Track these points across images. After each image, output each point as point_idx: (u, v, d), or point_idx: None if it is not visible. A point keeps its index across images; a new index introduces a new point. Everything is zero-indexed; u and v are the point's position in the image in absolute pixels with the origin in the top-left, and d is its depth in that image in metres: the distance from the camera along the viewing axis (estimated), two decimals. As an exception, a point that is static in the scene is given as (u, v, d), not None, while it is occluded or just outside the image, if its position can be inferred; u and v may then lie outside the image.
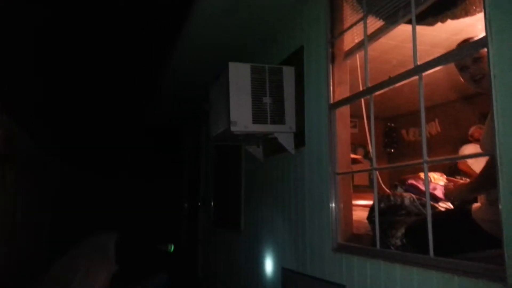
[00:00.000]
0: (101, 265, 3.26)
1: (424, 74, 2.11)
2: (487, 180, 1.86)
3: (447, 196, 2.48)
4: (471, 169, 3.50)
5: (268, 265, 3.70)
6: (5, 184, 3.17)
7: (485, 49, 1.91)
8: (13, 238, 3.65)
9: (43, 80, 9.53)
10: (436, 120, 5.13)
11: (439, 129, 5.08)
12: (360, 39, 2.78)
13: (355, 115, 3.85)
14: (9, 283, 3.35)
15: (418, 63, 2.13)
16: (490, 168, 1.75)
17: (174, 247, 3.57)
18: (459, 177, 2.78)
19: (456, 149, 3.96)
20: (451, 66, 2.31)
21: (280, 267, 3.43)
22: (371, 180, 5.45)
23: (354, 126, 4.65)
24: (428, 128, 5.01)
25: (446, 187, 2.58)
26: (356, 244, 2.65)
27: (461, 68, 2.23)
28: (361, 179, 5.66)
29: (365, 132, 3.85)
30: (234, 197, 4.74)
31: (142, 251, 3.54)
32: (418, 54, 2.15)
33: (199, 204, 6.67)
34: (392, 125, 6.16)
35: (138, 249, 3.50)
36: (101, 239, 3.42)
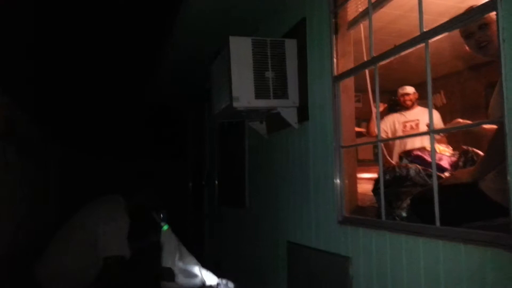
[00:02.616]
0: (120, 214, 3.30)
1: (430, 42, 2.06)
2: (499, 150, 1.82)
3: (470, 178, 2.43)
4: None
5: (273, 239, 3.71)
6: (7, 163, 3.17)
7: (491, 15, 1.86)
8: (19, 216, 3.67)
9: (42, 61, 9.44)
10: (442, 92, 5.08)
11: (444, 101, 5.03)
12: (364, 7, 2.72)
13: (359, 90, 3.80)
14: (17, 263, 3.39)
15: (425, 30, 2.08)
16: (499, 137, 1.71)
17: (168, 227, 3.59)
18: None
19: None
20: (456, 35, 2.26)
21: (286, 241, 3.44)
22: (375, 155, 5.44)
23: (358, 101, 4.61)
24: (433, 100, 4.94)
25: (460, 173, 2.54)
26: (362, 216, 2.65)
27: (467, 36, 2.21)
28: (365, 154, 5.63)
29: (369, 106, 3.83)
30: (238, 174, 4.74)
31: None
32: (424, 24, 2.10)
33: (203, 183, 6.69)
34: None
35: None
36: (112, 199, 3.44)
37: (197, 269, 3.40)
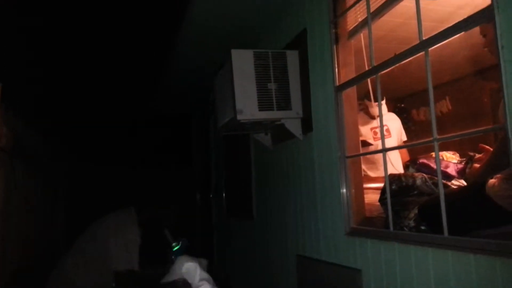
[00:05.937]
0: (130, 226, 3.30)
1: (431, 49, 2.05)
2: (502, 155, 1.80)
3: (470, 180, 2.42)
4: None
5: (282, 253, 3.68)
6: (15, 180, 3.19)
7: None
8: (27, 232, 3.68)
9: (46, 72, 9.50)
10: (447, 98, 5.02)
11: (450, 107, 4.97)
12: (363, 17, 2.72)
13: (364, 97, 3.79)
14: (25, 278, 3.40)
15: (424, 38, 2.07)
16: (504, 142, 1.69)
17: (178, 247, 3.55)
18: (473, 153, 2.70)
19: (468, 126, 3.87)
20: (458, 41, 2.24)
21: (295, 254, 3.41)
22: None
23: (362, 109, 4.54)
24: (438, 107, 4.90)
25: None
26: (369, 227, 2.62)
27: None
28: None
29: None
30: (245, 186, 4.72)
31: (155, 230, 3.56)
32: (424, 31, 2.09)
33: (211, 195, 6.68)
34: (402, 105, 6.05)
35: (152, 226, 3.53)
36: (123, 211, 3.46)
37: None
